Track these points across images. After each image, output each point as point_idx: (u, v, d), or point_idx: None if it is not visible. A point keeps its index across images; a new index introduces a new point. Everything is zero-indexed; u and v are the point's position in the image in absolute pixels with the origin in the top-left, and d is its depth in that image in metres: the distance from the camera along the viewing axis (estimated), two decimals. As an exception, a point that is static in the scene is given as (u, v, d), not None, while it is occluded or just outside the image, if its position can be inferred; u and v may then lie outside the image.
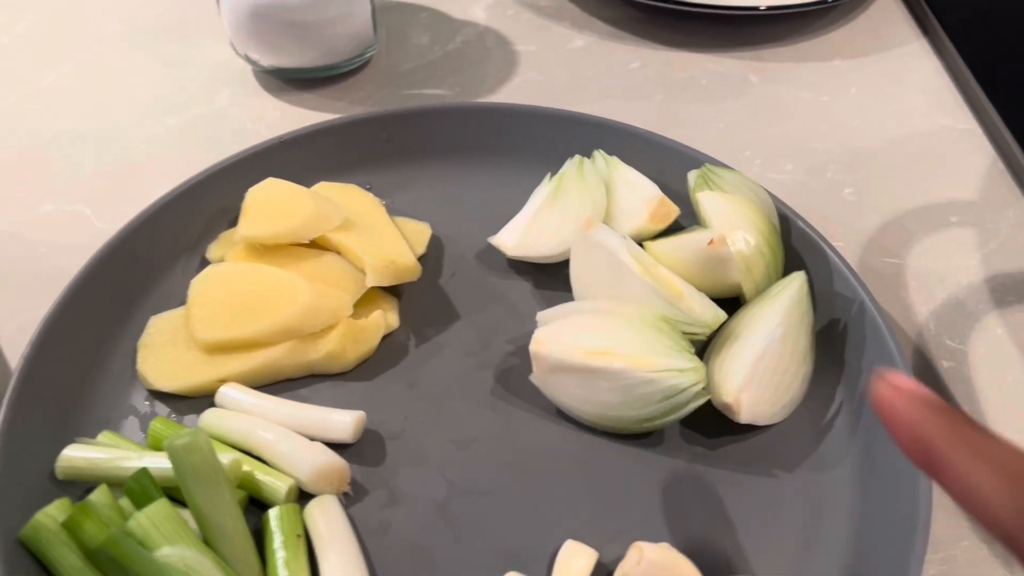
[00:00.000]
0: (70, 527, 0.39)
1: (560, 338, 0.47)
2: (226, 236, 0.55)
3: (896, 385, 0.28)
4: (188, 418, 0.48)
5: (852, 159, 0.65)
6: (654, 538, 0.44)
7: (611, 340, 0.46)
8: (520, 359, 0.51)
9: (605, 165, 0.57)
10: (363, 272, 0.52)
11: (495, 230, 0.56)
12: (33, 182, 0.62)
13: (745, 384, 0.46)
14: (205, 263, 0.54)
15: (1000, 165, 0.64)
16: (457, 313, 0.53)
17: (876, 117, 0.68)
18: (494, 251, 0.56)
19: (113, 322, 0.51)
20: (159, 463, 0.42)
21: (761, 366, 0.47)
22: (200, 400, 0.48)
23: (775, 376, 0.47)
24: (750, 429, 0.48)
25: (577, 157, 0.57)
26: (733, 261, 0.50)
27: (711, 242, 0.49)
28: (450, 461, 0.47)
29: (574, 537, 0.44)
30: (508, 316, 0.53)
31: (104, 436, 0.45)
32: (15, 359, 0.52)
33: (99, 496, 0.40)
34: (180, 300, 0.52)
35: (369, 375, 0.50)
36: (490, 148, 0.60)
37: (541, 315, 0.49)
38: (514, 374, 0.51)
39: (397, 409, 0.49)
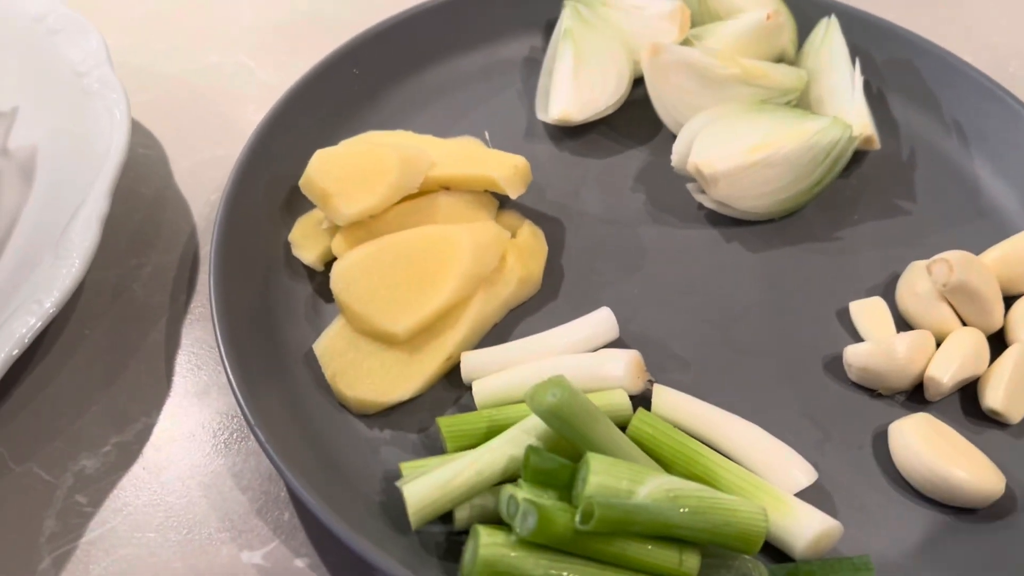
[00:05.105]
0: (540, 534, 0.34)
1: (717, 151, 0.48)
2: (304, 229, 0.47)
3: None
4: (442, 397, 0.43)
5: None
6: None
7: (755, 133, 0.49)
8: (655, 202, 0.51)
9: (589, 9, 0.56)
10: (479, 194, 0.48)
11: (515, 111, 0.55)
12: (198, 35, 0.62)
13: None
14: (296, 263, 0.47)
15: None
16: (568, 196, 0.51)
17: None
18: (537, 137, 0.54)
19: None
20: (510, 446, 0.37)
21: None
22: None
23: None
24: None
25: (566, 7, 0.56)
26: (787, 27, 0.54)
27: (768, 17, 0.52)
28: (685, 306, 0.47)
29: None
30: (611, 168, 0.53)
31: (408, 466, 0.39)
32: (192, 197, 0.52)
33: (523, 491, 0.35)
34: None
35: (554, 291, 0.47)
36: (461, 44, 0.57)
37: (677, 144, 0.50)
38: (669, 200, 0.51)
39: (603, 297, 0.47)
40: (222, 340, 0.40)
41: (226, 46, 0.61)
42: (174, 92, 0.58)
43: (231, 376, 0.39)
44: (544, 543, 0.34)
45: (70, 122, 0.49)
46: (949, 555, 0.39)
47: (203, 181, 0.53)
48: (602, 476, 0.35)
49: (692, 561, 0.35)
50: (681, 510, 0.35)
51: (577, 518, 0.34)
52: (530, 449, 0.36)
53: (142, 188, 0.52)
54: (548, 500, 0.35)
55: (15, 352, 0.38)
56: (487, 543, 0.34)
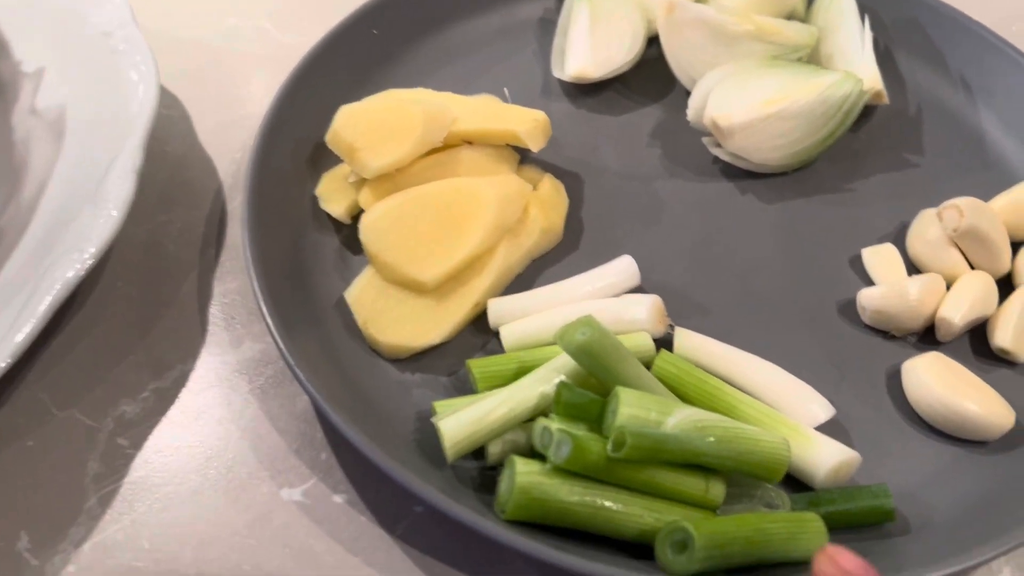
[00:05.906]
0: (574, 462, 0.35)
1: (734, 105, 0.49)
2: (331, 183, 0.48)
3: (838, 562, 0.29)
4: (469, 343, 0.44)
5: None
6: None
7: (769, 87, 0.50)
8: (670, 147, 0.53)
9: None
10: (500, 148, 0.49)
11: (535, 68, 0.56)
12: None
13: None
14: (323, 217, 0.48)
15: None
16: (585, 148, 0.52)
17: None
18: (554, 95, 0.55)
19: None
20: (540, 383, 0.38)
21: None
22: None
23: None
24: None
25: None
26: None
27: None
28: (702, 256, 0.48)
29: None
30: (627, 124, 0.54)
31: (441, 404, 0.40)
32: (217, 156, 0.53)
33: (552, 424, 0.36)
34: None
35: (574, 242, 0.49)
36: (478, 5, 0.58)
37: (693, 98, 0.51)
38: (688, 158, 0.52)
39: (623, 248, 0.48)
40: (259, 290, 0.41)
41: (244, 9, 0.62)
42: (194, 55, 0.59)
43: (270, 323, 0.40)
44: (577, 471, 0.36)
45: (98, 81, 0.50)
46: (961, 484, 0.40)
47: (226, 141, 0.54)
48: (632, 408, 0.36)
49: (718, 489, 0.37)
50: (708, 439, 0.36)
51: (609, 446, 0.35)
52: (561, 385, 0.38)
53: (166, 148, 0.53)
54: (580, 431, 0.36)
55: (63, 295, 0.39)
56: (523, 471, 0.36)
